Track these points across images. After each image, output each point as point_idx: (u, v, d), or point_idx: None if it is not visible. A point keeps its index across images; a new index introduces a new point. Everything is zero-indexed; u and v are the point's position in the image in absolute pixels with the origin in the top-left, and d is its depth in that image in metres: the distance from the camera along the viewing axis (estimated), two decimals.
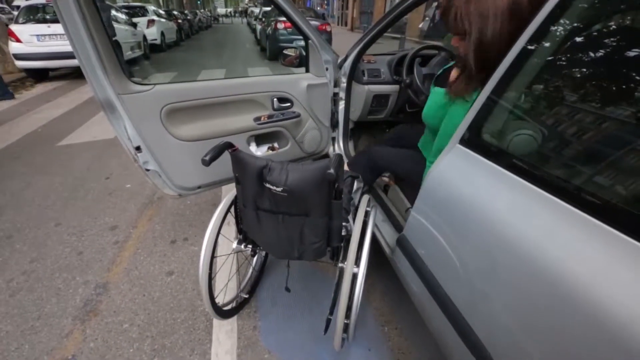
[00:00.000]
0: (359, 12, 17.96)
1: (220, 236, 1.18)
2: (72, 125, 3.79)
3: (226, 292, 1.54)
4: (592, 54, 0.71)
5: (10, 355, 1.29)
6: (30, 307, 1.49)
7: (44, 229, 2.01)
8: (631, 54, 0.65)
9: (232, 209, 1.27)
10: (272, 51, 7.70)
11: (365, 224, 1.15)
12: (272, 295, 1.56)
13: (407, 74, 1.83)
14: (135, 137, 1.34)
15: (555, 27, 0.69)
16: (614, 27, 0.69)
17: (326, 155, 2.02)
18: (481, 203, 0.78)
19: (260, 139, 1.77)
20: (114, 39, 5.19)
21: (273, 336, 1.37)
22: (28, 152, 3.10)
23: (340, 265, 1.15)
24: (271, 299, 1.53)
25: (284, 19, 1.62)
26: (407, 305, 1.43)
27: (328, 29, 8.15)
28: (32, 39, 5.41)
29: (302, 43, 1.69)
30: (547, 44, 0.72)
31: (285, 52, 1.81)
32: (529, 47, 0.72)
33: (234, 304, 1.43)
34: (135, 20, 7.66)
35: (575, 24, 0.69)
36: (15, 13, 5.85)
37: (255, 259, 1.61)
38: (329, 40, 7.78)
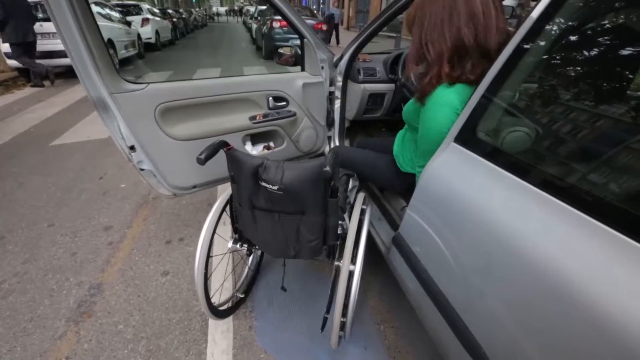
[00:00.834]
0: (355, 11, 17.96)
1: (215, 236, 1.17)
2: (65, 124, 3.75)
3: (222, 292, 1.53)
4: (584, 53, 0.71)
5: (2, 357, 1.27)
6: (22, 309, 1.47)
7: (37, 230, 1.98)
8: (622, 52, 0.66)
9: (228, 208, 1.26)
10: (267, 50, 7.69)
11: (361, 222, 1.15)
12: (268, 294, 1.55)
13: (402, 72, 1.84)
14: (129, 137, 1.32)
15: (548, 26, 0.70)
16: (606, 25, 0.69)
17: (322, 154, 2.02)
18: (476, 201, 0.78)
19: (255, 138, 1.76)
20: (107, 37, 5.15)
21: (269, 336, 1.36)
22: (20, 152, 3.06)
23: (336, 263, 1.15)
24: (267, 299, 1.53)
25: (279, 17, 1.62)
26: (403, 304, 1.43)
27: (324, 27, 8.15)
28: None
29: (298, 42, 1.69)
30: (540, 43, 0.72)
31: (280, 50, 1.80)
32: (522, 45, 0.72)
33: (229, 304, 1.43)
34: (129, 18, 7.59)
35: (568, 23, 0.70)
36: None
37: (251, 258, 1.60)
38: (325, 39, 7.77)
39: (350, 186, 1.38)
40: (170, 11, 12.51)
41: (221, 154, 1.04)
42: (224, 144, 1.04)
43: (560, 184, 0.64)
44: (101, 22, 5.56)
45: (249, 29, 13.92)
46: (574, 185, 0.63)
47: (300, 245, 1.10)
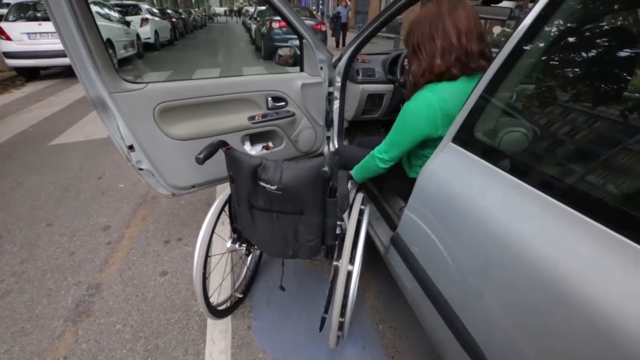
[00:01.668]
0: (354, 11, 17.98)
1: (214, 235, 1.17)
2: (63, 124, 3.74)
3: (220, 291, 1.53)
4: (580, 54, 0.72)
5: (0, 357, 1.27)
6: (20, 309, 1.47)
7: (35, 230, 1.98)
8: (618, 54, 0.66)
9: (227, 208, 1.26)
10: (267, 50, 7.69)
11: (359, 222, 1.16)
12: (267, 294, 1.55)
13: (401, 73, 1.84)
14: (128, 136, 1.32)
15: (545, 28, 0.70)
16: (602, 27, 0.70)
17: (321, 155, 2.02)
18: (474, 201, 0.78)
19: (254, 138, 1.76)
20: (106, 37, 5.13)
21: (267, 335, 1.36)
22: (19, 151, 3.06)
23: (334, 263, 1.15)
24: (266, 298, 1.53)
25: (278, 18, 1.62)
26: (401, 304, 1.44)
27: (323, 28, 8.15)
28: (22, 37, 5.34)
29: (297, 42, 1.69)
30: (536, 44, 0.73)
31: (279, 51, 1.80)
32: (519, 47, 0.73)
33: (228, 304, 1.43)
34: (128, 18, 7.58)
35: (564, 25, 0.70)
36: (5, 11, 5.75)
37: (249, 258, 1.60)
38: (324, 40, 7.79)
39: (349, 186, 1.38)
40: (169, 11, 12.50)
41: (220, 154, 1.04)
42: (222, 144, 1.04)
43: (557, 184, 0.65)
44: (100, 22, 5.55)
45: (248, 30, 13.92)
46: (571, 185, 0.64)
47: (298, 245, 1.10)
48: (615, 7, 0.67)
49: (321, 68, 1.70)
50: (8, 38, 5.27)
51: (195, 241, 1.12)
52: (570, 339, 0.56)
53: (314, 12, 13.72)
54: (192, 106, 1.46)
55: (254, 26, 10.57)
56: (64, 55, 1.12)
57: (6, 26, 5.31)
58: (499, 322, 0.71)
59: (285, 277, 1.44)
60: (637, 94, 0.66)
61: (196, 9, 27.00)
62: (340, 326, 1.13)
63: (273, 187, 0.96)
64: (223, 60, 8.14)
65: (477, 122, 0.83)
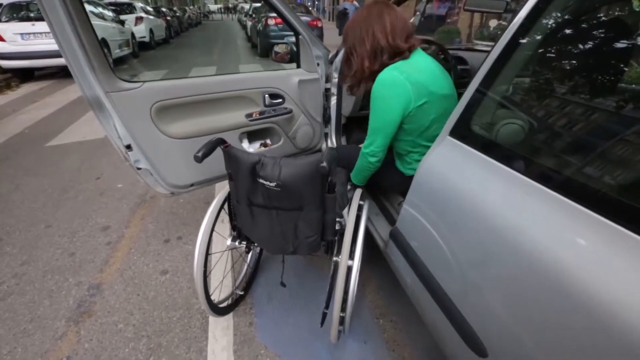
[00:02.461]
0: None
1: (214, 233, 1.17)
2: (60, 125, 3.72)
3: (221, 289, 1.54)
4: (575, 46, 0.72)
5: (3, 359, 1.27)
6: (22, 310, 1.47)
7: (34, 231, 1.98)
8: (612, 46, 0.67)
9: (226, 206, 1.27)
10: (263, 47, 7.64)
11: (358, 218, 1.16)
12: (268, 291, 1.56)
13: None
14: (125, 136, 1.32)
15: (540, 20, 0.70)
16: (596, 19, 0.70)
17: (319, 151, 2.02)
18: (471, 194, 0.79)
19: (252, 136, 1.76)
20: (101, 37, 5.09)
21: (269, 332, 1.37)
22: (15, 153, 3.04)
23: (334, 258, 1.16)
24: (267, 295, 1.54)
25: (274, 14, 1.62)
26: (401, 298, 1.45)
27: (319, 24, 8.12)
28: (16, 38, 5.28)
29: (293, 39, 1.68)
30: (530, 38, 0.73)
31: (276, 48, 1.80)
32: (515, 40, 0.73)
33: (229, 301, 1.43)
34: (122, 17, 7.51)
35: (559, 17, 0.70)
36: None
37: (249, 255, 1.61)
38: (320, 36, 7.75)
39: (349, 188, 1.39)
40: (164, 9, 12.39)
41: (218, 152, 1.04)
42: (221, 142, 1.04)
43: (555, 176, 0.65)
44: (94, 21, 5.51)
45: (244, 27, 13.83)
46: (569, 177, 0.64)
47: (298, 241, 1.10)
48: None
49: (318, 64, 1.69)
50: (1, 39, 5.21)
51: (195, 239, 1.13)
52: (569, 330, 0.57)
53: (310, 8, 13.64)
54: (189, 104, 1.46)
55: (249, 23, 10.50)
56: (59, 56, 1.11)
57: None
58: (499, 314, 0.72)
59: (286, 274, 1.45)
60: (632, 85, 0.67)
61: (191, 7, 26.76)
62: (341, 321, 1.14)
63: (272, 184, 0.96)
64: (219, 58, 8.10)
65: (473, 116, 0.83)
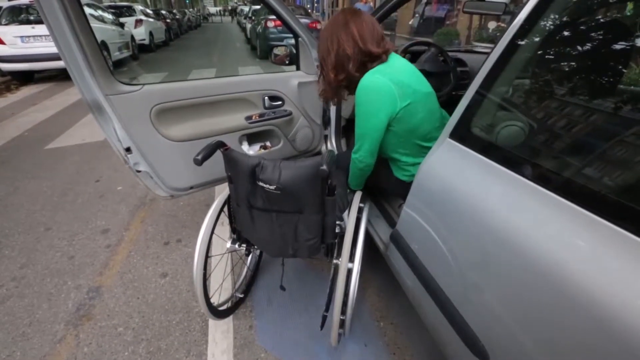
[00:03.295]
0: None
1: (214, 236, 1.17)
2: (59, 128, 3.72)
3: (221, 292, 1.53)
4: (574, 48, 0.72)
5: None
6: (21, 314, 1.46)
7: (34, 234, 1.97)
8: (612, 47, 0.67)
9: (226, 209, 1.26)
10: (262, 50, 7.66)
11: (358, 220, 1.16)
12: (268, 294, 1.56)
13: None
14: (125, 138, 1.32)
15: (539, 22, 0.70)
16: (595, 21, 0.70)
17: (319, 153, 2.02)
18: (472, 196, 0.79)
19: (252, 138, 1.76)
20: (100, 39, 5.09)
21: (269, 335, 1.37)
22: (15, 156, 3.04)
23: (334, 261, 1.16)
24: (266, 298, 1.53)
25: (274, 17, 1.62)
26: (402, 301, 1.44)
27: (318, 26, 8.14)
28: (15, 41, 5.29)
29: (293, 41, 1.69)
30: (530, 40, 0.73)
31: (275, 50, 1.80)
32: (514, 42, 0.73)
33: (229, 304, 1.43)
34: (122, 20, 7.53)
35: (558, 19, 0.71)
36: None
37: (249, 258, 1.60)
38: None
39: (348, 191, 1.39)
40: (163, 12, 12.42)
41: (218, 155, 1.04)
42: (220, 144, 1.04)
43: (555, 178, 0.65)
44: (94, 24, 5.51)
45: (244, 29, 13.86)
46: (569, 178, 0.64)
47: (298, 244, 1.10)
48: (608, 1, 0.68)
49: (317, 66, 1.69)
50: (1, 42, 5.22)
51: (195, 242, 1.12)
52: (569, 332, 0.57)
53: (309, 11, 13.68)
54: (189, 107, 1.46)
55: (249, 25, 10.53)
56: (58, 59, 1.11)
57: None
58: (499, 316, 0.71)
59: (286, 277, 1.44)
60: (631, 87, 0.67)
61: (190, 9, 26.85)
62: (342, 324, 1.14)
63: (272, 187, 0.96)
64: (219, 61, 8.11)
65: (473, 118, 0.83)
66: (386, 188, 1.39)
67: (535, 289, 0.62)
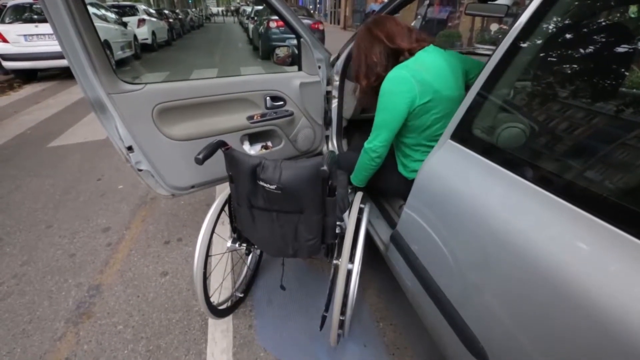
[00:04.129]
0: (352, 10, 17.97)
1: (214, 235, 1.17)
2: (62, 126, 3.73)
3: (221, 291, 1.53)
4: (575, 50, 0.72)
5: (2, 359, 1.27)
6: (21, 311, 1.47)
7: (35, 232, 1.98)
8: (613, 50, 0.67)
9: (226, 208, 1.26)
10: (264, 50, 7.67)
11: (359, 221, 1.16)
12: (267, 293, 1.56)
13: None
14: (126, 137, 1.32)
15: (541, 25, 0.71)
16: (597, 23, 0.70)
17: (320, 154, 2.02)
18: (472, 197, 0.79)
19: (253, 138, 1.77)
20: (103, 39, 5.10)
21: (269, 334, 1.37)
22: (17, 154, 3.05)
23: (334, 262, 1.16)
24: (266, 298, 1.54)
25: (276, 17, 1.62)
26: (402, 301, 1.44)
27: (320, 27, 8.15)
28: (19, 39, 5.31)
29: (295, 42, 1.69)
30: (531, 42, 0.73)
31: (277, 51, 1.80)
32: (515, 44, 0.73)
33: (229, 303, 1.43)
34: (125, 19, 7.55)
35: (560, 22, 0.71)
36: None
37: (249, 257, 1.61)
38: (322, 39, 7.78)
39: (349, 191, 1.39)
40: (166, 12, 12.44)
41: (219, 154, 1.04)
42: (222, 144, 1.05)
43: (555, 180, 0.65)
44: (97, 23, 5.53)
45: (246, 29, 13.88)
46: (570, 180, 0.64)
47: (298, 244, 1.10)
48: (611, 3, 0.68)
49: (319, 67, 1.70)
50: (4, 40, 5.24)
51: (196, 241, 1.13)
52: (569, 333, 0.57)
53: (312, 11, 13.70)
54: (190, 106, 1.46)
55: (251, 26, 10.54)
56: (62, 57, 1.11)
57: (2, 28, 5.27)
58: (499, 317, 0.71)
59: (286, 276, 1.44)
60: (633, 90, 0.67)
61: (193, 9, 26.91)
62: (341, 324, 1.14)
63: (272, 187, 0.96)
64: (221, 61, 8.13)
65: (475, 119, 0.83)
66: (388, 186, 1.39)
67: (535, 290, 0.62)
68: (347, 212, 1.25)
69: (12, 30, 5.31)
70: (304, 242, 1.09)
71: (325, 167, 0.87)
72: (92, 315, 1.45)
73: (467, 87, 1.28)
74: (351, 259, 1.06)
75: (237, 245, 1.28)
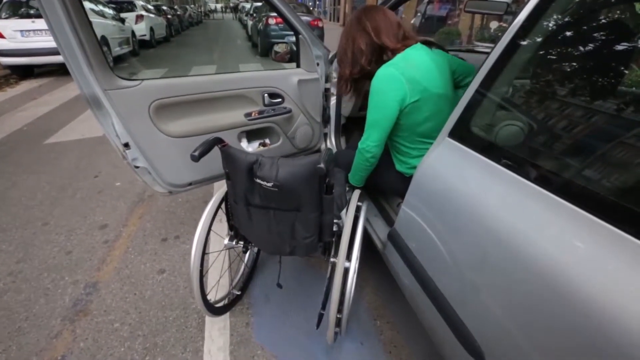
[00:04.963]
0: (351, 7, 17.91)
1: (211, 233, 1.17)
2: (58, 123, 3.71)
3: (218, 289, 1.53)
4: (574, 48, 0.72)
5: None
6: (17, 308, 1.46)
7: (31, 229, 1.97)
8: (613, 47, 0.66)
9: (224, 205, 1.26)
10: (263, 47, 7.64)
11: (356, 219, 1.16)
12: (265, 291, 1.56)
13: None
14: (123, 134, 1.31)
15: (539, 22, 0.70)
16: (596, 21, 0.70)
17: (318, 151, 2.02)
18: (470, 196, 0.78)
19: (251, 135, 1.76)
20: (101, 35, 5.04)
21: (266, 332, 1.37)
22: (13, 150, 3.03)
23: (332, 260, 1.16)
24: (264, 295, 1.53)
25: (275, 14, 1.61)
26: (399, 299, 1.44)
27: (320, 24, 8.11)
28: (15, 35, 5.26)
29: (293, 38, 1.68)
30: (530, 39, 0.72)
31: (276, 47, 1.79)
32: (514, 42, 0.73)
33: (226, 301, 1.43)
34: (123, 15, 7.49)
35: (558, 20, 0.70)
36: None
37: (247, 255, 1.60)
38: (321, 36, 7.75)
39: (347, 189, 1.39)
40: (164, 8, 12.35)
41: (217, 151, 1.04)
42: (218, 141, 1.04)
43: (554, 179, 0.65)
44: (94, 19, 5.50)
45: (245, 26, 13.82)
46: (568, 179, 0.64)
47: (295, 242, 1.10)
48: (609, 0, 0.67)
49: (318, 64, 1.69)
50: (1, 36, 5.19)
51: (193, 239, 1.12)
52: (567, 333, 0.57)
53: (311, 8, 13.64)
54: (188, 103, 1.45)
55: (250, 22, 10.49)
56: (58, 53, 1.10)
57: None
58: (496, 316, 0.71)
59: (283, 274, 1.44)
60: (632, 88, 0.66)
61: (192, 6, 26.76)
62: (338, 322, 1.14)
63: (269, 184, 0.96)
64: (219, 57, 8.09)
65: (473, 117, 0.83)
66: (386, 183, 1.39)
67: (533, 290, 0.62)
68: (345, 210, 1.25)
69: (8, 25, 5.26)
70: (301, 240, 1.08)
71: (322, 165, 0.86)
72: (88, 313, 1.45)
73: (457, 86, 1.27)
74: (348, 257, 1.06)
75: (234, 243, 1.27)
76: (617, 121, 0.64)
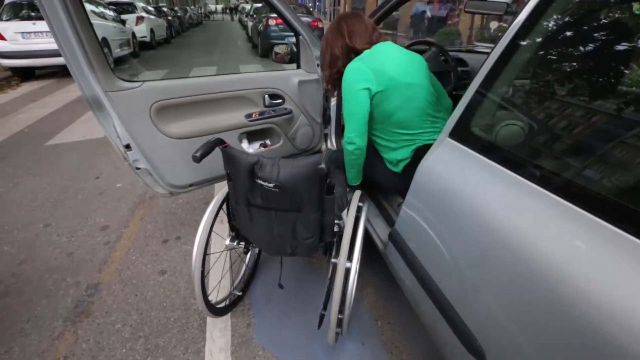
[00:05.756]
0: (351, 8, 17.92)
1: (212, 234, 1.17)
2: (59, 124, 3.72)
3: (219, 290, 1.53)
4: (573, 48, 0.72)
5: (0, 358, 1.26)
6: (19, 310, 1.46)
7: (33, 230, 1.97)
8: (613, 47, 0.66)
9: (225, 206, 1.26)
10: (263, 48, 7.65)
11: (357, 219, 1.16)
12: (266, 292, 1.56)
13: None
14: (124, 135, 1.32)
15: (539, 22, 0.70)
16: (596, 21, 0.70)
17: (319, 152, 2.02)
18: (471, 196, 0.78)
19: (252, 136, 1.76)
20: (102, 36, 5.05)
21: (267, 333, 1.37)
22: (14, 152, 3.04)
23: (333, 260, 1.16)
24: (265, 296, 1.53)
25: (275, 15, 1.62)
26: (400, 300, 1.44)
27: (320, 25, 8.12)
28: (16, 37, 5.28)
29: (293, 39, 1.68)
30: (530, 40, 0.73)
31: (276, 48, 1.80)
32: (514, 42, 0.73)
33: (227, 302, 1.43)
34: (123, 17, 7.51)
35: (558, 20, 0.70)
36: None
37: (248, 256, 1.60)
38: (321, 37, 7.75)
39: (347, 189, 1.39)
40: (165, 9, 12.39)
41: (218, 152, 1.04)
42: (219, 142, 1.04)
43: (554, 178, 0.65)
44: (95, 21, 5.51)
45: (245, 27, 13.84)
46: (568, 179, 0.64)
47: (296, 242, 1.10)
48: (609, 1, 0.67)
49: (318, 65, 1.69)
50: (2, 38, 5.21)
51: (194, 240, 1.12)
52: (567, 333, 0.56)
53: (311, 9, 13.66)
54: (188, 104, 1.45)
55: (250, 23, 10.51)
56: (59, 55, 1.11)
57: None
58: (497, 316, 0.71)
59: (284, 275, 1.44)
60: (632, 88, 0.66)
61: (192, 7, 26.80)
62: (339, 323, 1.14)
63: (270, 185, 0.96)
64: (220, 58, 8.10)
65: (473, 117, 0.83)
66: (382, 182, 1.41)
67: (534, 290, 0.62)
68: (346, 210, 1.25)
69: (9, 27, 5.28)
70: (302, 240, 1.09)
71: (323, 165, 0.86)
72: (90, 314, 1.45)
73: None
74: (349, 258, 1.06)
75: (235, 243, 1.27)
76: (617, 121, 0.64)
